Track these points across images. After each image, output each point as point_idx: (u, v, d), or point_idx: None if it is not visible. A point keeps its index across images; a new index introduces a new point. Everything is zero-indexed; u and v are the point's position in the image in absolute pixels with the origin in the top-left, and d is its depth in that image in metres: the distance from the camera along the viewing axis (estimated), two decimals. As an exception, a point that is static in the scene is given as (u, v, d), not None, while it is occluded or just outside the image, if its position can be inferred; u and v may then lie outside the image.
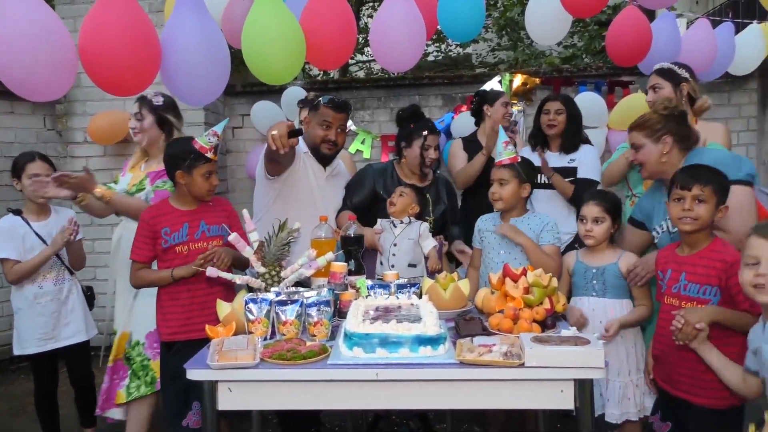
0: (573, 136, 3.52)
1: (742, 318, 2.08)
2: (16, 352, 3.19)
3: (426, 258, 2.97)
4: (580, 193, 3.23)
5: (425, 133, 3.13)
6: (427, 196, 3.18)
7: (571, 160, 3.47)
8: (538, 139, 3.60)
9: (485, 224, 2.91)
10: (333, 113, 2.98)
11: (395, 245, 2.95)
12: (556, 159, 3.49)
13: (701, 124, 2.99)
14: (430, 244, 2.95)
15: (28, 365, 3.37)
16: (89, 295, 3.41)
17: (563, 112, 3.49)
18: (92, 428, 3.41)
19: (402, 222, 2.97)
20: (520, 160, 2.82)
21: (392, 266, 2.88)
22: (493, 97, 3.86)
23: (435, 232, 3.21)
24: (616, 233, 2.70)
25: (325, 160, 3.07)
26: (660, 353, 2.34)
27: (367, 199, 3.15)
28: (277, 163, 2.86)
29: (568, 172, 3.45)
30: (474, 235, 2.97)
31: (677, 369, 2.23)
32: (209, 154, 2.51)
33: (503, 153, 2.80)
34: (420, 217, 3.06)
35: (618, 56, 3.23)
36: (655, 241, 2.62)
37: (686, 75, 2.96)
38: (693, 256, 2.21)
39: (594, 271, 2.64)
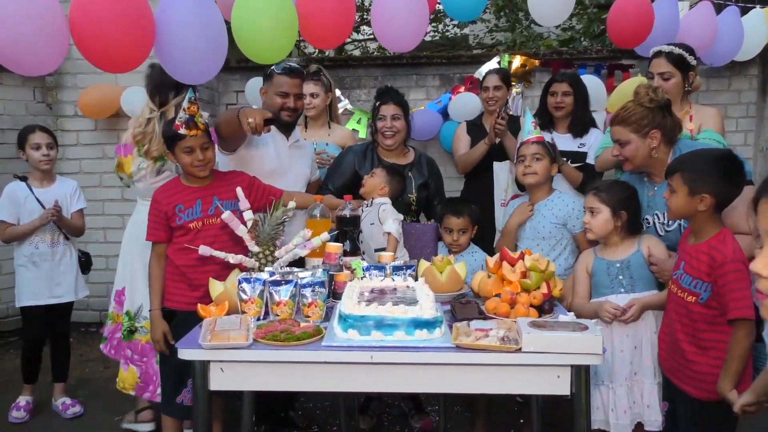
0: (581, 118, 3.46)
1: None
2: (17, 303, 3.50)
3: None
4: (588, 179, 3.19)
5: (377, 103, 3.14)
6: (409, 174, 3.14)
7: (581, 144, 3.41)
8: (545, 120, 3.50)
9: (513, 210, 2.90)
10: (288, 80, 2.92)
11: (360, 231, 2.88)
12: (566, 142, 3.41)
13: (695, 107, 2.93)
14: (390, 226, 2.79)
15: (16, 340, 3.48)
16: (84, 261, 3.70)
17: (570, 94, 3.43)
18: (63, 383, 3.66)
19: (367, 206, 2.89)
20: (544, 140, 2.81)
21: (363, 252, 2.78)
22: (483, 80, 3.81)
23: (418, 210, 3.18)
24: (632, 224, 2.51)
25: (285, 128, 3.02)
26: (662, 334, 2.33)
27: (348, 182, 3.10)
28: (227, 140, 2.82)
29: (579, 156, 3.38)
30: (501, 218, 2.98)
31: (671, 353, 2.24)
32: (182, 130, 2.48)
33: (532, 132, 2.80)
34: (401, 195, 3.02)
35: (619, 38, 3.18)
36: (650, 228, 2.54)
37: (694, 62, 2.86)
38: (694, 247, 2.16)
39: (618, 265, 2.46)
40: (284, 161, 3.02)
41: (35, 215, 3.39)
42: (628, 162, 2.49)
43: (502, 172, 3.64)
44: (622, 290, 2.46)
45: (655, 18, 3.19)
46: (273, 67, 2.96)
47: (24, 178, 3.46)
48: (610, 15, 3.20)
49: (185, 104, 2.47)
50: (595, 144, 3.35)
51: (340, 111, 4.97)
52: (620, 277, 2.46)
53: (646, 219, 2.54)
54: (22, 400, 3.52)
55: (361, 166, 3.12)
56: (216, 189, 2.61)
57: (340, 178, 3.14)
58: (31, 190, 3.43)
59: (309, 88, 3.50)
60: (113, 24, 2.14)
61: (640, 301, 2.39)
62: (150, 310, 2.63)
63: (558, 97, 3.43)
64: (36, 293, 3.43)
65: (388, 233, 2.78)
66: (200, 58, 2.39)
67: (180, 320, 2.50)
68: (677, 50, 2.83)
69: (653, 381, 2.40)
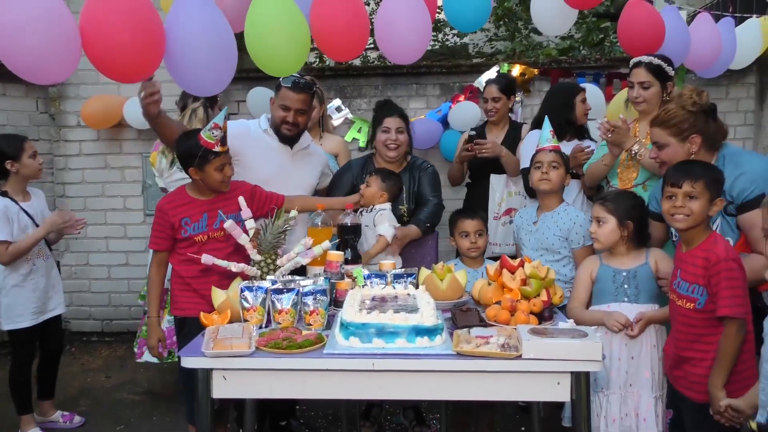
0: (581, 126, 3.54)
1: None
2: (6, 327, 3.28)
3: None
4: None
5: (380, 115, 3.19)
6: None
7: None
8: (571, 130, 3.47)
9: (522, 221, 2.95)
10: (292, 95, 2.94)
11: (366, 226, 2.93)
12: (570, 148, 3.35)
13: None
14: (384, 229, 2.86)
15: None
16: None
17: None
18: (50, 400, 3.57)
19: (367, 211, 2.95)
20: (560, 149, 2.86)
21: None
22: (483, 90, 3.82)
23: (410, 218, 3.17)
24: (639, 235, 2.52)
25: (287, 140, 3.04)
26: (666, 345, 2.35)
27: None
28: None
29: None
30: (513, 234, 3.06)
31: (673, 361, 2.25)
32: (216, 149, 2.50)
33: (550, 140, 2.83)
34: (394, 204, 3.05)
35: (631, 46, 3.15)
36: (673, 239, 2.50)
37: (672, 72, 2.89)
38: (687, 254, 2.19)
39: (624, 274, 2.48)
40: (286, 168, 3.05)
41: (28, 230, 3.21)
42: (665, 165, 2.42)
43: (498, 185, 3.66)
44: (626, 299, 2.47)
45: (666, 30, 3.19)
46: (281, 80, 2.98)
47: (4, 193, 3.21)
48: (620, 23, 3.20)
49: (220, 122, 2.49)
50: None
51: (341, 121, 5.02)
52: (625, 286, 2.48)
53: None
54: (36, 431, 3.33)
55: (360, 181, 3.14)
56: (221, 202, 2.63)
57: (340, 194, 3.17)
58: (17, 204, 3.23)
59: None
60: (123, 33, 2.16)
61: (647, 316, 2.40)
62: (148, 317, 2.64)
63: (587, 104, 3.47)
64: (35, 313, 3.28)
65: (379, 235, 2.84)
66: (208, 69, 2.40)
67: (192, 328, 2.51)
68: (656, 60, 2.87)
69: (650, 394, 2.40)
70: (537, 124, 3.58)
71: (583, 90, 3.52)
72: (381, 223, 2.88)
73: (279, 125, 2.98)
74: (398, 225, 2.93)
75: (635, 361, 2.42)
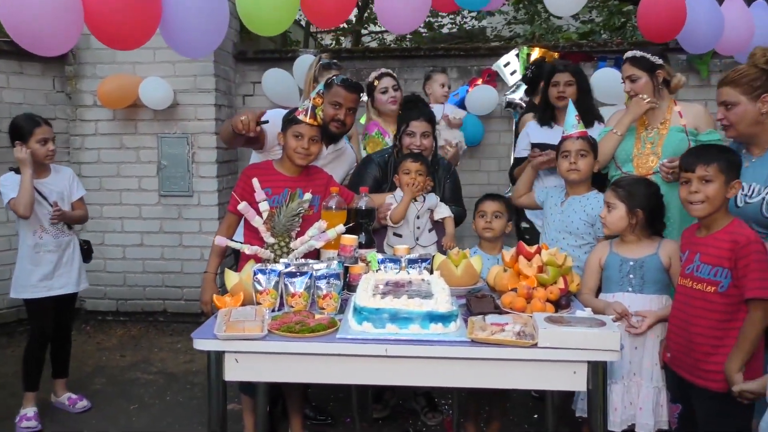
0: (585, 111, 3.22)
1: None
2: (12, 294, 3.38)
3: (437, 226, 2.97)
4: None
5: (406, 117, 3.07)
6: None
7: None
8: (547, 114, 3.41)
9: (550, 200, 2.90)
10: (345, 93, 2.95)
11: (418, 218, 2.90)
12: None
13: (680, 104, 2.93)
14: (443, 212, 2.94)
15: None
16: (86, 249, 3.61)
17: (573, 84, 3.31)
18: (64, 379, 3.58)
19: (415, 200, 2.90)
20: (587, 135, 2.80)
21: (417, 239, 2.90)
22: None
23: None
24: (651, 224, 2.48)
25: (330, 138, 3.02)
26: (672, 334, 2.30)
27: (372, 192, 3.08)
28: (231, 144, 2.89)
29: None
30: (538, 193, 3.01)
31: (685, 350, 2.21)
32: (301, 116, 2.61)
33: (576, 126, 2.78)
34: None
35: (649, 31, 3.09)
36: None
37: (660, 61, 2.87)
38: (708, 237, 2.16)
39: (631, 264, 2.43)
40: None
41: (38, 207, 3.26)
42: (732, 127, 2.39)
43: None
44: (630, 289, 2.44)
45: (696, 12, 3.09)
46: (334, 78, 3.01)
47: (18, 171, 3.21)
48: (641, 8, 3.13)
49: (312, 95, 2.63)
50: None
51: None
52: (631, 275, 2.44)
53: None
54: (30, 411, 3.30)
55: (384, 175, 3.08)
56: (302, 183, 2.67)
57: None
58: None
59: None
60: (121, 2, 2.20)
61: (656, 315, 2.36)
62: (205, 272, 2.70)
63: (560, 87, 3.32)
64: (36, 285, 3.30)
65: (445, 218, 2.95)
66: (202, 31, 2.51)
67: None
68: (639, 53, 2.90)
69: (650, 384, 2.37)
70: (540, 112, 3.51)
71: (558, 72, 3.37)
72: (441, 206, 2.96)
73: (328, 122, 2.94)
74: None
75: (639, 351, 2.39)
